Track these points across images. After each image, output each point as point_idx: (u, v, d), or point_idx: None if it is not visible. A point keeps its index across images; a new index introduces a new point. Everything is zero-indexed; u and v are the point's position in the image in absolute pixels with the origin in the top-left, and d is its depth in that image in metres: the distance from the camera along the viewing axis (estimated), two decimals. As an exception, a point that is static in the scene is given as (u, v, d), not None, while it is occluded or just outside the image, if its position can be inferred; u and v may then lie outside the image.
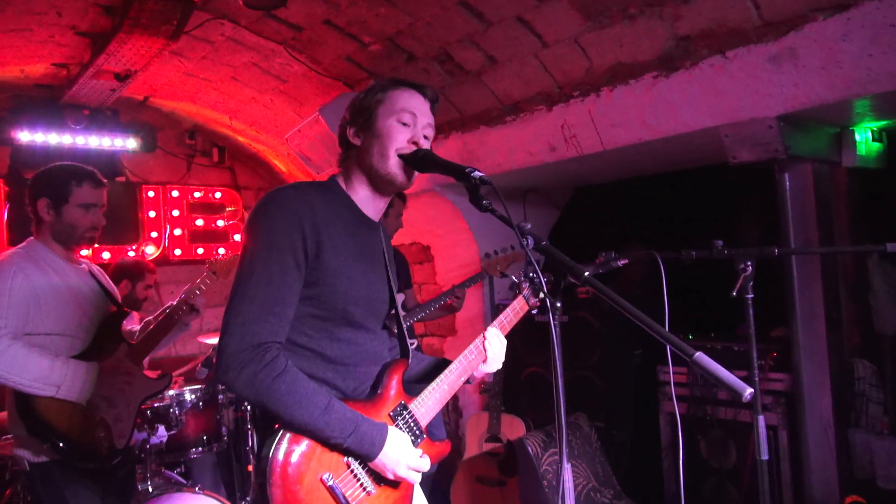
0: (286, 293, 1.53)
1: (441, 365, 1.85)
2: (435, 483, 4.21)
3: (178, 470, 3.63)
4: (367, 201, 1.74)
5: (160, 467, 3.37)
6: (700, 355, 1.11)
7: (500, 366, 1.89)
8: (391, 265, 1.83)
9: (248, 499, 3.36)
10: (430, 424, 1.75)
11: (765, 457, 2.00)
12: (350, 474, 1.59)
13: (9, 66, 4.22)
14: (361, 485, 1.60)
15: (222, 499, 3.16)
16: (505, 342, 1.92)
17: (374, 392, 1.68)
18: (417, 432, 1.70)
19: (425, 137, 1.71)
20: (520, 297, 1.99)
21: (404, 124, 1.67)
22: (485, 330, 1.88)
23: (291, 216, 1.55)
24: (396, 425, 1.66)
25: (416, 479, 1.66)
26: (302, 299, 1.58)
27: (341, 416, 1.53)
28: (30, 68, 4.30)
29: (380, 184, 1.71)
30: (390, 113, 1.67)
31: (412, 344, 1.87)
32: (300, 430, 1.51)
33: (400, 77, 1.77)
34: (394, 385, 1.70)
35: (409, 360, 1.80)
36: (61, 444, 2.32)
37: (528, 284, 1.99)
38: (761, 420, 1.97)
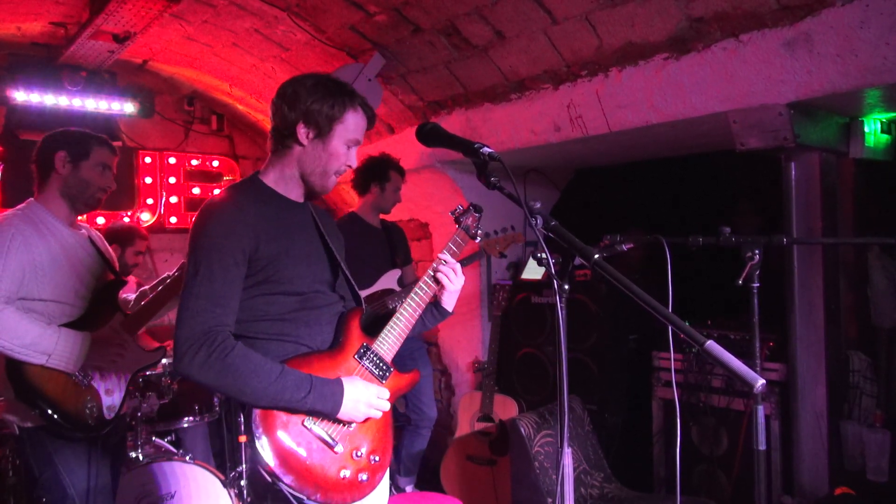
0: (228, 286, 1.69)
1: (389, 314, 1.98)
2: (425, 460, 4.22)
3: (169, 439, 3.62)
4: (293, 191, 1.89)
5: (151, 435, 3.37)
6: (711, 343, 1.08)
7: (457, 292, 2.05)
8: (330, 233, 1.94)
9: (239, 469, 3.35)
10: (394, 358, 1.89)
11: (762, 447, 1.99)
12: None
13: (5, 23, 4.13)
14: (343, 422, 1.74)
15: (213, 469, 3.16)
16: (462, 277, 2.05)
17: (337, 341, 1.83)
18: (384, 367, 1.85)
19: None
20: (459, 230, 2.01)
21: (349, 148, 1.84)
22: (435, 262, 2.00)
23: (227, 222, 1.71)
24: (363, 365, 1.81)
25: (385, 407, 1.79)
26: (252, 287, 1.74)
27: (296, 377, 1.67)
28: (27, 26, 4.20)
29: (310, 191, 1.89)
30: (344, 137, 1.81)
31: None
32: (260, 401, 1.64)
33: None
34: (353, 330, 1.85)
35: (364, 307, 1.94)
36: (49, 411, 2.29)
37: (469, 217, 1.98)
38: (761, 410, 1.95)
